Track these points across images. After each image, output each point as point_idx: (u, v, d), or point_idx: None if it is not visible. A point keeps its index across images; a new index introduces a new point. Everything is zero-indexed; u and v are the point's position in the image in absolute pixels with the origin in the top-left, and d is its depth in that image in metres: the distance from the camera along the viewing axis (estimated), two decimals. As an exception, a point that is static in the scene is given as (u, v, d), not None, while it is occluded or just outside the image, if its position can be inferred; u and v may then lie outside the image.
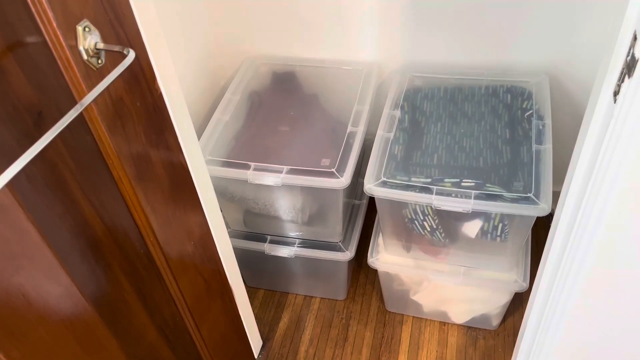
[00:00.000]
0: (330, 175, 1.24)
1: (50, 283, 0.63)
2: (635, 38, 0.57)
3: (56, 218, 0.64)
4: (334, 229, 1.42)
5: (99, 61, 0.64)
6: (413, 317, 1.54)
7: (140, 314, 0.84)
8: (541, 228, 1.64)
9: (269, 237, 1.46)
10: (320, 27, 1.49)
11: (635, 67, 0.57)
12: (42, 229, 0.60)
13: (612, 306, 0.85)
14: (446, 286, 1.38)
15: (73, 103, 0.61)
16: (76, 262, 0.68)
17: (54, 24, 0.57)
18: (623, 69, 0.60)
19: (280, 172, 1.25)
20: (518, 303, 1.53)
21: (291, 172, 1.25)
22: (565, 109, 1.47)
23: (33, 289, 0.60)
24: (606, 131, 0.65)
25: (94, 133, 0.67)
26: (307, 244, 1.44)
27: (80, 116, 0.65)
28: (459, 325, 1.51)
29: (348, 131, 1.33)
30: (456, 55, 1.46)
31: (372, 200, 1.30)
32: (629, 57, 0.59)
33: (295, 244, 1.44)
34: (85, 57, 0.61)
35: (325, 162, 1.27)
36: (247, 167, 1.27)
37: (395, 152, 1.28)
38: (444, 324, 1.52)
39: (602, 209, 0.71)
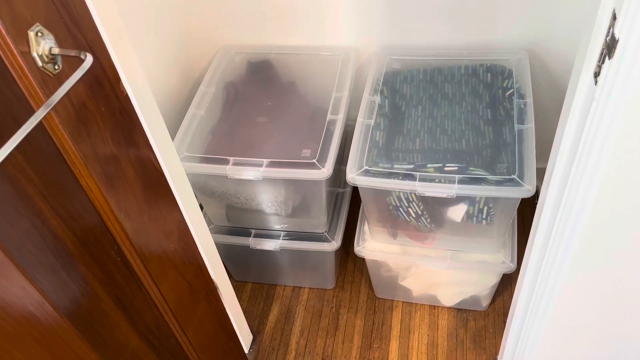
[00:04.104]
0: (312, 166, 1.21)
1: (20, 302, 0.60)
2: (614, 17, 0.55)
3: (21, 235, 0.61)
4: (318, 220, 1.40)
5: (56, 67, 0.60)
6: (403, 302, 1.54)
7: (121, 324, 0.81)
8: (527, 206, 1.64)
9: (253, 231, 1.44)
10: (294, 13, 1.45)
11: (615, 48, 0.55)
12: (6, 248, 0.57)
13: (600, 284, 0.84)
14: (434, 270, 1.37)
15: (31, 113, 0.57)
16: (47, 278, 0.65)
17: (2, 30, 0.53)
18: (603, 49, 0.58)
19: (260, 165, 1.23)
20: (507, 283, 1.53)
21: (271, 165, 1.23)
22: (546, 86, 1.45)
23: (1, 310, 0.57)
24: (587, 114, 0.63)
25: (57, 142, 0.64)
26: (292, 236, 1.42)
27: (40, 126, 0.62)
28: (448, 308, 1.51)
29: (328, 119, 1.31)
30: (434, 35, 1.43)
31: (356, 187, 1.28)
32: (608, 37, 0.57)
33: (280, 236, 1.42)
34: (40, 63, 0.58)
35: (306, 152, 1.25)
36: (225, 162, 1.24)
37: (377, 139, 1.25)
38: (433, 308, 1.52)
39: (586, 190, 0.70)
